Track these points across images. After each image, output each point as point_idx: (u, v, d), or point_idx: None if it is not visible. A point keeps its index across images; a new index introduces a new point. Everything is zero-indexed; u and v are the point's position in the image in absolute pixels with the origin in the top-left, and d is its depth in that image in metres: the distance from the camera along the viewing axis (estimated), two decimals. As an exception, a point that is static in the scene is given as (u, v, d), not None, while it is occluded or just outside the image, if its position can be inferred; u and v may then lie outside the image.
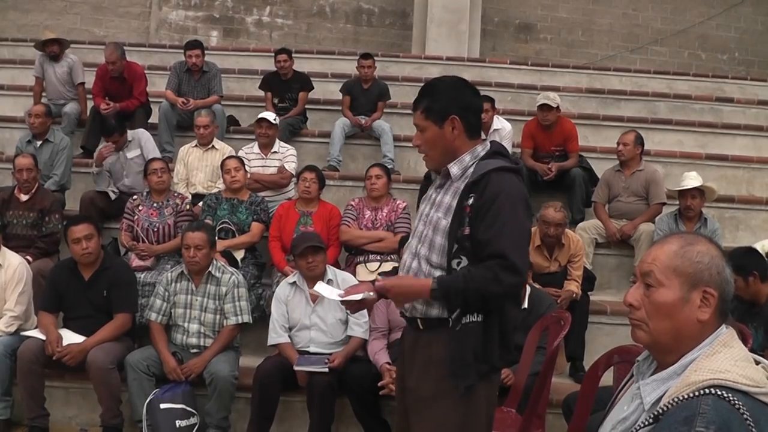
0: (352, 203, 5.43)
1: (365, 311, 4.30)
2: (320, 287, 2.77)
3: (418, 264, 2.52)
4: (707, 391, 1.48)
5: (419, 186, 5.88)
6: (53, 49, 7.18)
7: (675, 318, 1.61)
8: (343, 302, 2.60)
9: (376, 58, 7.65)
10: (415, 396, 2.53)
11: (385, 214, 5.30)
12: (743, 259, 4.05)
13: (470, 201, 2.40)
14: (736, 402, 1.45)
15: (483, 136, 6.96)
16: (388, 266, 4.99)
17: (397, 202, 5.41)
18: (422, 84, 2.67)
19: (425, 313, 2.49)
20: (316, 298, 4.33)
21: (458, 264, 2.40)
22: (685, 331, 1.61)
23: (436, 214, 2.50)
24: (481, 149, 2.52)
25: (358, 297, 2.51)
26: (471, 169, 2.47)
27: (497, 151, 2.53)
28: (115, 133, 5.88)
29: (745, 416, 1.44)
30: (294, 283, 4.42)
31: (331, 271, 4.43)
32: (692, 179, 5.51)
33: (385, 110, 7.39)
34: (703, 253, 1.62)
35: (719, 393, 1.46)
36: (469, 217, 2.39)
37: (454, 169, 2.49)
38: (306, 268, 4.30)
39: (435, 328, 2.46)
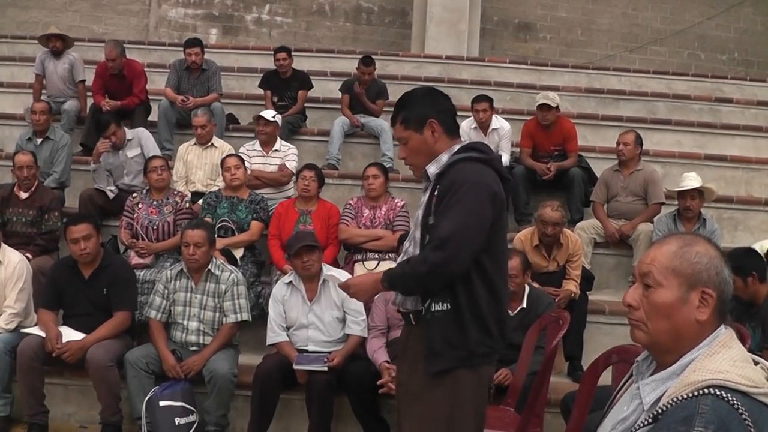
0: (351, 202, 5.43)
1: (362, 309, 4.32)
2: (332, 272, 2.87)
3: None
4: (706, 391, 1.48)
5: (418, 185, 5.87)
6: (56, 44, 7.19)
7: (673, 318, 1.62)
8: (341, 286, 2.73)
9: (375, 57, 7.64)
10: (405, 389, 2.59)
11: (383, 213, 5.30)
12: (742, 260, 4.06)
13: (436, 192, 2.49)
14: (735, 402, 1.46)
15: (483, 135, 6.93)
16: (386, 264, 4.99)
17: (396, 200, 5.41)
18: (421, 83, 2.73)
19: (415, 306, 2.55)
20: (313, 297, 4.33)
21: None
22: (684, 332, 1.61)
23: (417, 212, 2.61)
24: (458, 147, 2.58)
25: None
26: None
27: (472, 146, 2.58)
28: (110, 124, 5.86)
29: (743, 416, 1.44)
30: (290, 282, 4.42)
31: (327, 269, 4.42)
32: (692, 180, 5.51)
33: (384, 109, 7.40)
34: (702, 254, 1.63)
35: (718, 393, 1.47)
36: (434, 207, 2.48)
37: (431, 168, 2.57)
38: (301, 267, 4.30)
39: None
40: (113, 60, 6.88)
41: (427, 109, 2.56)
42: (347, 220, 5.28)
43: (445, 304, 2.45)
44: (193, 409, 4.19)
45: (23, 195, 5.40)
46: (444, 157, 2.56)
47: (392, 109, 7.63)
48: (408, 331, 2.63)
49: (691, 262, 1.62)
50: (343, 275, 4.44)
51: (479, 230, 2.43)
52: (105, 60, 6.96)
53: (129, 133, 6.06)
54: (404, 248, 2.66)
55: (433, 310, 2.46)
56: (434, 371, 2.44)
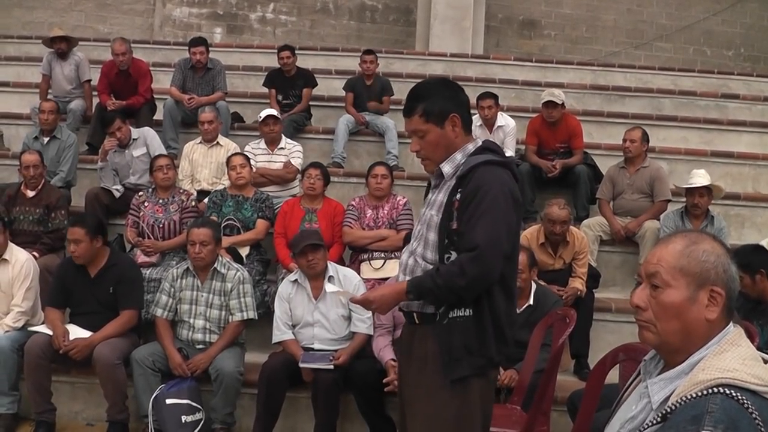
0: (353, 203, 5.39)
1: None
2: (330, 288, 2.81)
3: (414, 261, 2.55)
4: (715, 390, 1.47)
5: (424, 183, 5.87)
6: (61, 46, 7.22)
7: (683, 318, 1.60)
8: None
9: (379, 55, 7.66)
10: (411, 390, 2.55)
11: (386, 212, 5.29)
12: (750, 257, 4.04)
13: (458, 195, 2.43)
14: (745, 401, 1.45)
15: (488, 132, 6.90)
16: (392, 263, 4.98)
17: (398, 198, 5.40)
18: (413, 86, 2.68)
19: (422, 307, 2.52)
20: (318, 295, 4.33)
21: (448, 259, 2.42)
22: (694, 331, 1.60)
23: (430, 212, 2.53)
24: (472, 146, 2.53)
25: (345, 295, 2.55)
26: (462, 167, 2.49)
27: (487, 147, 2.55)
28: (115, 120, 5.88)
29: (753, 415, 1.43)
30: (296, 281, 4.42)
31: (333, 268, 4.42)
32: (701, 177, 5.49)
33: (390, 107, 7.40)
34: (709, 252, 1.62)
35: (727, 392, 1.46)
36: (457, 211, 2.42)
37: (446, 168, 2.51)
38: (306, 266, 4.30)
39: (430, 323, 2.49)
40: (123, 54, 6.91)
41: (449, 102, 2.49)
42: (351, 222, 5.26)
43: (467, 311, 2.41)
44: (199, 407, 4.20)
45: (30, 194, 5.41)
46: (458, 156, 2.51)
47: (397, 107, 7.56)
48: (412, 330, 2.58)
49: (698, 260, 1.61)
50: (350, 276, 4.45)
51: (510, 237, 2.45)
52: (113, 55, 6.99)
53: (135, 132, 6.08)
54: (411, 247, 2.59)
55: (453, 315, 2.41)
56: (453, 378, 2.41)
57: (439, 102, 2.49)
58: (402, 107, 7.65)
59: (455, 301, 2.41)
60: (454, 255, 2.41)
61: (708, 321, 1.60)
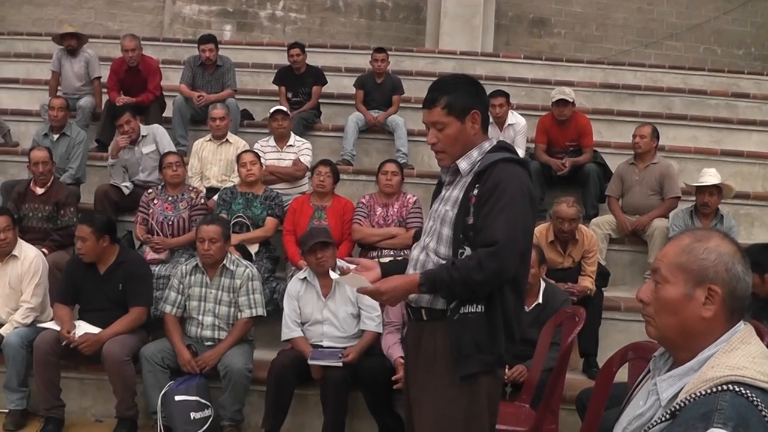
0: (363, 201, 5.40)
1: (377, 305, 4.30)
2: (334, 276, 2.79)
3: (426, 256, 2.54)
4: (725, 387, 1.47)
5: (433, 181, 5.86)
6: (71, 43, 7.25)
7: (679, 314, 1.61)
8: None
9: (389, 53, 7.65)
10: (419, 387, 2.55)
11: (396, 210, 5.29)
12: (759, 256, 4.00)
13: (475, 191, 2.43)
14: (754, 399, 1.44)
15: (499, 131, 6.87)
16: (400, 261, 4.98)
17: (407, 196, 5.40)
18: (436, 79, 2.68)
19: (431, 303, 2.51)
20: (327, 293, 4.34)
21: (461, 254, 2.42)
22: (691, 328, 1.61)
23: (444, 208, 2.54)
24: (488, 144, 2.55)
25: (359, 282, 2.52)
26: (479, 164, 2.50)
27: (503, 146, 2.57)
28: (126, 112, 5.91)
29: (763, 413, 1.43)
30: (305, 278, 4.43)
31: (340, 264, 4.41)
32: (711, 176, 5.47)
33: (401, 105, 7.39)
34: (711, 250, 1.61)
35: (737, 389, 1.46)
36: (474, 206, 2.42)
37: (462, 164, 2.52)
38: (315, 264, 4.31)
39: (439, 319, 2.48)
40: (132, 50, 6.94)
41: (472, 99, 2.51)
42: (360, 220, 5.26)
43: (479, 307, 2.40)
44: (208, 403, 4.21)
45: (39, 190, 5.44)
46: (475, 153, 2.51)
47: (407, 105, 7.49)
48: (420, 327, 2.57)
49: (698, 258, 1.61)
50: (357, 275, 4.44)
51: (526, 236, 2.46)
52: (123, 52, 7.02)
53: (144, 129, 6.09)
54: (422, 243, 2.58)
55: (464, 311, 2.41)
56: (461, 375, 2.40)
57: (463, 97, 2.50)
58: (411, 105, 7.65)
59: (468, 296, 2.40)
60: (468, 250, 2.41)
61: (704, 319, 1.60)
